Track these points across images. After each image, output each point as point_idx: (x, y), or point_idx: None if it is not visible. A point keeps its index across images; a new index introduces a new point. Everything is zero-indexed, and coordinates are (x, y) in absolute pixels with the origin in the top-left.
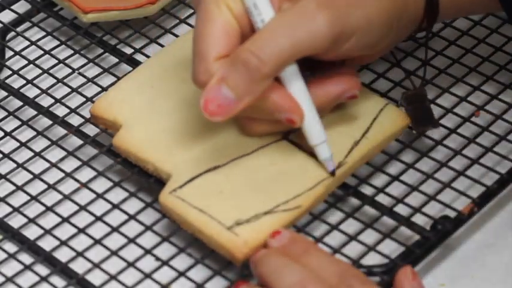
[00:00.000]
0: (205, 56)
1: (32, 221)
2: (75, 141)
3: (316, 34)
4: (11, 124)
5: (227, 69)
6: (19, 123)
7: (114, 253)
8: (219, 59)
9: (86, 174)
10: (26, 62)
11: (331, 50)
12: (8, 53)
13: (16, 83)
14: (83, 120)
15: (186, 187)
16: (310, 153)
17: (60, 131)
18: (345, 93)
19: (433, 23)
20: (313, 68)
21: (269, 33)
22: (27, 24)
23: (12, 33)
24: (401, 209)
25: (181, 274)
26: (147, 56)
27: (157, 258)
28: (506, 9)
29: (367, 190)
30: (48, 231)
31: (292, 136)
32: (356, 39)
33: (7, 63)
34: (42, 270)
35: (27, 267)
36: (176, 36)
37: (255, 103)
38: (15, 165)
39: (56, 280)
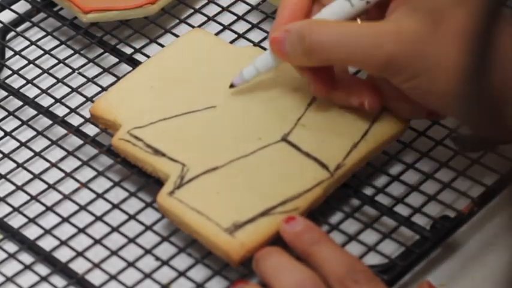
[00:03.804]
0: (279, 22)
1: (32, 221)
2: (75, 141)
3: (372, 59)
4: (11, 124)
5: (294, 27)
6: (19, 123)
7: (114, 253)
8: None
9: (86, 174)
10: (26, 62)
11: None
12: (8, 53)
13: (16, 83)
14: (83, 120)
15: (184, 188)
16: (309, 155)
17: (60, 130)
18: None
19: None
20: None
21: (339, 29)
22: (27, 24)
23: (12, 33)
24: (401, 209)
25: (181, 274)
26: (147, 56)
27: (157, 258)
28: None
29: (367, 190)
30: (48, 231)
31: (291, 138)
32: (404, 79)
33: (7, 63)
34: (42, 270)
35: (27, 267)
36: (176, 36)
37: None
38: (15, 165)
39: (56, 280)
